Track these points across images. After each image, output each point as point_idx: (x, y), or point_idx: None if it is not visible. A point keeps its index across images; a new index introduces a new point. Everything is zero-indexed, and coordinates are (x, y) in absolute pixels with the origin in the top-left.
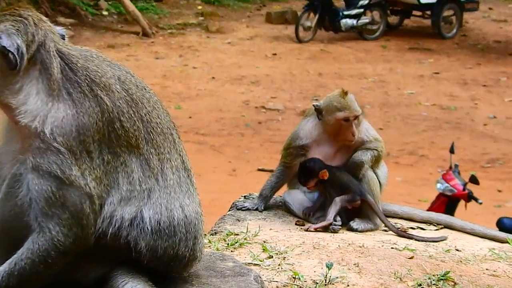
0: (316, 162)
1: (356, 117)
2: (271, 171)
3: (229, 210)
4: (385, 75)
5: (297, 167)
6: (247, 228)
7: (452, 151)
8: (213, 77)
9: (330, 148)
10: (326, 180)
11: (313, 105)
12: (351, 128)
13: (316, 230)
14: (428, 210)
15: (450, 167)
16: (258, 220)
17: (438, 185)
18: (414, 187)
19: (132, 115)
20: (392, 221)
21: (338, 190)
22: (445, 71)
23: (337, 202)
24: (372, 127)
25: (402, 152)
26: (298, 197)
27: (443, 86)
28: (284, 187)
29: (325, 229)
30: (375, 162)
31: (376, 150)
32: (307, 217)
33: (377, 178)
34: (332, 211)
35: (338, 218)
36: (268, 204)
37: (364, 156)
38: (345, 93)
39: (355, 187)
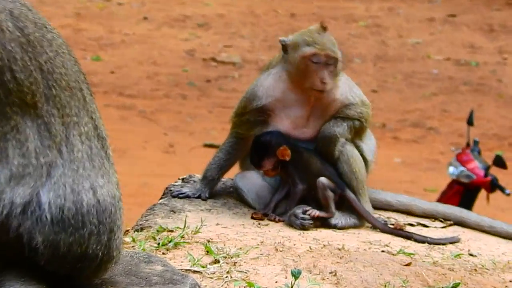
0: (274, 135)
1: (331, 60)
2: None
3: (161, 198)
4: (382, 18)
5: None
6: (185, 223)
7: (470, 122)
8: (146, 17)
9: (300, 111)
10: (288, 162)
11: (280, 40)
12: (320, 72)
13: (315, 217)
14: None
15: (468, 145)
16: (200, 211)
17: (451, 169)
18: (419, 171)
19: (28, 62)
20: (384, 215)
21: (304, 178)
22: (464, 13)
23: (325, 184)
24: (357, 87)
25: (403, 123)
26: (255, 182)
27: (461, 34)
28: (237, 168)
29: (292, 224)
30: (357, 133)
31: (360, 119)
32: (266, 211)
33: (362, 154)
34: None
35: (310, 211)
36: (214, 190)
37: (339, 127)
38: (323, 28)
39: (330, 177)
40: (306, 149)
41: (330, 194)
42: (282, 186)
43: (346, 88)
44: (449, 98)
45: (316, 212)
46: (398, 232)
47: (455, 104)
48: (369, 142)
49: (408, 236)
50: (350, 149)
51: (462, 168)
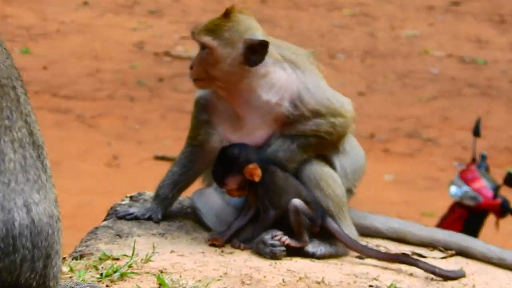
0: (243, 149)
1: (202, 46)
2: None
3: (105, 220)
4: (371, 6)
5: (213, 149)
6: (134, 249)
7: (477, 132)
8: (86, 2)
9: (232, 111)
10: (257, 182)
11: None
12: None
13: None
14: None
15: (474, 160)
16: (152, 236)
17: (453, 189)
18: (414, 191)
19: None
20: (372, 242)
21: (277, 202)
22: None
23: (298, 207)
24: (329, 89)
25: (395, 133)
26: (214, 201)
27: (466, 26)
28: (198, 184)
29: (261, 252)
30: (322, 148)
31: (317, 134)
32: (226, 238)
33: (336, 171)
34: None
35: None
36: (169, 210)
37: (284, 152)
38: (226, 13)
39: (310, 203)
40: (273, 167)
41: (304, 219)
42: (246, 209)
43: (296, 90)
44: (451, 103)
45: (286, 239)
46: (399, 258)
47: (458, 110)
48: (351, 152)
49: (413, 263)
50: (317, 169)
51: (466, 188)
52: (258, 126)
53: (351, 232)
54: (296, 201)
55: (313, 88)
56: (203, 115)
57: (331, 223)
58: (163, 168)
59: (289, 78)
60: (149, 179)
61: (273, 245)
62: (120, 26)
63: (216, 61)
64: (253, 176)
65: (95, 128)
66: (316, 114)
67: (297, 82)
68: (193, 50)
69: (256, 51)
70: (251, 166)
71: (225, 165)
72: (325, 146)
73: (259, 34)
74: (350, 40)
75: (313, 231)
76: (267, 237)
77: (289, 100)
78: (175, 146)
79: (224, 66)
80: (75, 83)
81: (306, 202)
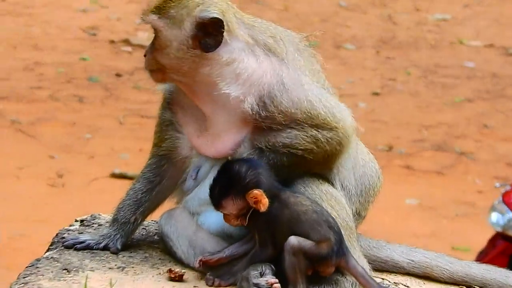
0: (252, 167)
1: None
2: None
3: (49, 250)
4: None
5: (183, 159)
6: (86, 287)
7: None
8: None
9: (198, 110)
10: (261, 213)
11: None
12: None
13: None
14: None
15: None
16: (109, 270)
17: (495, 216)
18: (444, 219)
19: None
20: (390, 280)
21: (281, 240)
22: None
23: (295, 247)
24: (315, 87)
25: (419, 145)
26: (188, 226)
27: (508, 8)
28: (167, 205)
29: None
30: (306, 168)
31: (290, 151)
32: (207, 273)
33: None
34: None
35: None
36: (130, 238)
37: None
38: None
39: (325, 234)
40: (294, 193)
41: (302, 263)
42: (248, 238)
43: (267, 84)
44: (492, 107)
45: (276, 284)
46: None
47: (501, 115)
48: (357, 165)
49: None
50: (314, 188)
51: (511, 215)
52: (225, 128)
53: (361, 262)
54: (294, 239)
55: (290, 84)
56: (167, 115)
57: (353, 262)
58: (122, 189)
59: (260, 67)
60: (103, 203)
61: (257, 285)
62: (65, 7)
63: (162, 46)
64: (258, 205)
65: (34, 137)
66: (291, 120)
67: (270, 73)
68: None
69: (209, 32)
70: (256, 192)
71: (226, 183)
72: (306, 167)
73: (214, 9)
74: (362, 25)
75: (326, 272)
76: (253, 273)
77: (256, 96)
78: (137, 160)
79: (171, 52)
80: (8, 79)
81: (322, 240)
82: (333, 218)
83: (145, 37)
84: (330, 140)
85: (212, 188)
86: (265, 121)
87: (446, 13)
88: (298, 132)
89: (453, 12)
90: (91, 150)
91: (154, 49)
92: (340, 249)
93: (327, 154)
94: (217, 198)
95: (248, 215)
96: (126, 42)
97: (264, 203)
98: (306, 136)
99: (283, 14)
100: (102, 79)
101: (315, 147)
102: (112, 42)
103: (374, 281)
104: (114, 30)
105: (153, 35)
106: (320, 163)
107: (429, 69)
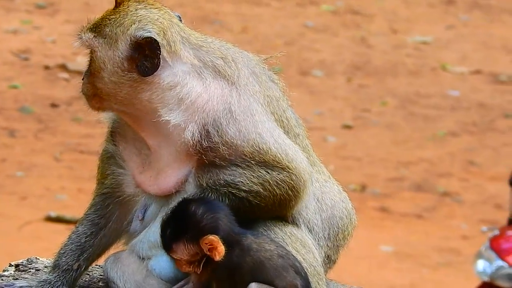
0: (211, 209)
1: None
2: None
3: None
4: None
5: (129, 198)
6: None
7: None
8: None
9: (140, 142)
10: (220, 262)
11: None
12: None
13: None
14: None
15: (511, 222)
16: None
17: (481, 265)
18: (424, 268)
19: None
20: None
21: (244, 286)
22: None
23: None
24: (268, 121)
25: (397, 184)
26: (137, 273)
27: (501, 28)
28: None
29: None
30: (252, 213)
31: (237, 194)
32: None
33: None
34: None
35: None
36: (73, 285)
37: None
38: (116, 4)
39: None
40: (257, 238)
41: None
42: (186, 280)
43: (212, 111)
44: (479, 141)
45: None
46: None
47: (490, 151)
48: (324, 203)
49: None
50: (276, 230)
51: (500, 263)
52: (168, 163)
53: None
54: (255, 287)
55: (239, 112)
56: (109, 147)
57: None
58: (59, 234)
59: (206, 92)
60: (37, 250)
61: None
62: None
63: (97, 69)
64: (213, 252)
65: None
66: (237, 155)
67: (217, 99)
68: None
69: (146, 54)
70: (212, 238)
71: (179, 226)
72: (254, 213)
73: (151, 28)
74: (332, 49)
75: None
76: None
77: (200, 124)
78: (75, 202)
79: (105, 75)
80: None
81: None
82: (299, 263)
83: (84, 62)
84: (280, 183)
85: (163, 229)
86: (207, 154)
87: (427, 35)
88: (243, 171)
89: (435, 34)
90: (24, 190)
91: (90, 72)
92: None
93: (276, 200)
94: (167, 240)
95: (202, 262)
96: (63, 67)
97: (220, 251)
98: (252, 176)
99: (241, 36)
100: (36, 109)
101: (261, 190)
102: (46, 67)
103: None
104: (49, 54)
105: (89, 56)
106: (269, 209)
107: (408, 98)
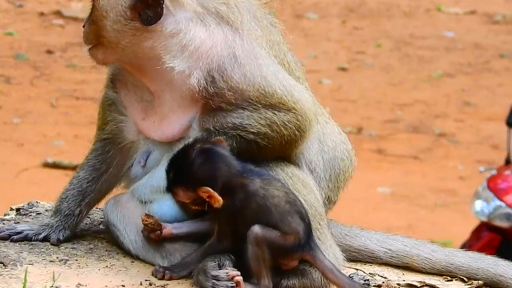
0: (209, 157)
1: None
2: (76, 167)
3: None
4: None
5: (130, 144)
6: (26, 283)
7: (511, 121)
8: None
9: (143, 90)
10: (222, 205)
11: None
12: None
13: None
14: None
15: (508, 161)
16: (50, 264)
17: (479, 205)
18: (421, 209)
19: None
20: (366, 270)
21: (241, 233)
22: None
23: (259, 236)
24: (272, 64)
25: (393, 126)
26: (135, 213)
27: None
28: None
29: (201, 285)
30: (261, 155)
31: (245, 136)
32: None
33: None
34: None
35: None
36: (74, 229)
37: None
38: None
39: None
40: (268, 183)
41: (267, 255)
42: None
43: (217, 57)
44: (475, 82)
45: (238, 278)
46: None
47: (485, 92)
48: (326, 145)
49: None
50: (278, 171)
51: (498, 202)
52: (172, 109)
53: (334, 255)
54: (258, 229)
55: (243, 57)
56: (109, 94)
57: (320, 256)
58: (56, 180)
59: (210, 38)
60: (35, 196)
61: (216, 278)
62: None
63: (99, 17)
64: (211, 200)
65: None
66: (243, 99)
67: (221, 44)
68: None
69: (148, 3)
70: (207, 189)
71: (178, 172)
72: (260, 155)
73: None
74: None
75: (286, 266)
76: (210, 265)
77: (204, 70)
78: (72, 148)
79: (107, 24)
80: None
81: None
82: (305, 209)
83: (78, 8)
84: (287, 123)
85: (166, 172)
86: (213, 99)
87: None
88: (250, 113)
89: None
90: (20, 137)
91: (92, 20)
92: (307, 243)
93: (284, 140)
94: (170, 184)
95: (206, 204)
96: (58, 14)
97: (217, 200)
98: (260, 117)
99: None
100: (31, 56)
101: (269, 131)
102: (41, 14)
103: (345, 276)
104: (44, 0)
105: (90, 4)
106: (276, 150)
107: (403, 40)
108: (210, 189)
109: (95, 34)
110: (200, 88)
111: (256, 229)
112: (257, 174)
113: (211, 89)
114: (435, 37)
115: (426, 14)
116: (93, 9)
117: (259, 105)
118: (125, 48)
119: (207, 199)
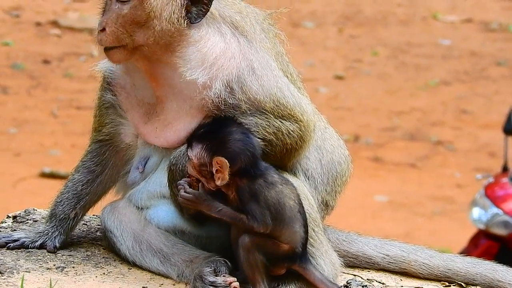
0: (245, 140)
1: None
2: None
3: None
4: None
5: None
6: None
7: (509, 129)
8: None
9: (148, 92)
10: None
11: None
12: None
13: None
14: None
15: (505, 169)
16: (47, 271)
17: (476, 213)
18: (419, 217)
19: None
20: (363, 276)
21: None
22: None
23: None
24: (281, 74)
25: (390, 134)
26: (134, 222)
27: None
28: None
29: None
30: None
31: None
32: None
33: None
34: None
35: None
36: (70, 235)
37: None
38: None
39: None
40: (285, 182)
41: (259, 260)
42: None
43: (236, 69)
44: (471, 89)
45: (234, 282)
46: None
47: (482, 99)
48: (323, 150)
49: None
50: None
51: (495, 210)
52: (178, 116)
53: (330, 262)
54: (247, 238)
55: (260, 68)
56: (108, 96)
57: (311, 269)
58: (53, 190)
59: (228, 49)
60: (32, 206)
61: (213, 284)
62: None
63: (144, 17)
64: (217, 174)
65: None
66: (257, 109)
67: (239, 56)
68: (91, 17)
69: (198, 1)
70: (224, 161)
71: (210, 132)
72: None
73: None
74: (322, 0)
75: (272, 273)
76: (207, 271)
77: (225, 81)
78: (69, 158)
79: (157, 24)
80: None
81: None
82: (307, 222)
83: (75, 18)
84: (292, 132)
85: (202, 126)
86: (228, 110)
87: None
88: (260, 121)
89: None
90: (17, 147)
91: (129, 21)
92: (302, 255)
93: (286, 149)
94: (194, 136)
95: (207, 177)
96: (54, 24)
97: (223, 177)
98: (268, 126)
99: None
100: (28, 66)
101: (274, 139)
102: (38, 24)
103: (336, 285)
104: (40, 10)
105: (117, 4)
106: (277, 158)
107: (399, 48)
108: (227, 163)
109: (129, 34)
110: (219, 100)
111: (247, 237)
112: (276, 173)
113: (230, 100)
114: (432, 45)
115: (422, 22)
116: (136, 9)
117: (271, 115)
118: (156, 50)
119: (214, 172)
